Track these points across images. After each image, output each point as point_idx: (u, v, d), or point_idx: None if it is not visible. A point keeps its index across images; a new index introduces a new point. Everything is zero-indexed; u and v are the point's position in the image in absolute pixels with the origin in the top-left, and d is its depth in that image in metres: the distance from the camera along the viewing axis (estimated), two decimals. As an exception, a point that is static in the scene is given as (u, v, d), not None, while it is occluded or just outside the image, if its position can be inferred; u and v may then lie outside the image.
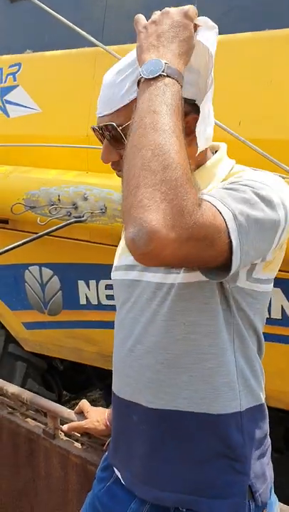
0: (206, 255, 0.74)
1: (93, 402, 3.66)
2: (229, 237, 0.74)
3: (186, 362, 0.90)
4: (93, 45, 2.11)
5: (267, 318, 0.98)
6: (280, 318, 1.81)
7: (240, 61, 1.76)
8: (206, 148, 0.93)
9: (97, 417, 1.36)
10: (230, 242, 0.74)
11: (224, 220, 0.74)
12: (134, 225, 0.68)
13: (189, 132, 0.86)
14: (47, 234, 1.88)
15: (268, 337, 1.01)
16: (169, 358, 0.91)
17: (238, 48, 1.78)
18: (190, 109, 0.87)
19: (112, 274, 1.05)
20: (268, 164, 1.63)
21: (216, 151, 0.97)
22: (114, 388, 1.03)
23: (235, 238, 0.74)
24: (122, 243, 1.03)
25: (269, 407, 1.00)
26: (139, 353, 0.94)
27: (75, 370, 3.04)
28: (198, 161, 0.92)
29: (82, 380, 3.14)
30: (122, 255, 1.02)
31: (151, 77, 0.76)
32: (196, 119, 0.87)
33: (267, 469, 0.96)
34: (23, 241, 1.83)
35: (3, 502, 1.80)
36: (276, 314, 1.81)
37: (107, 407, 3.32)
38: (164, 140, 0.71)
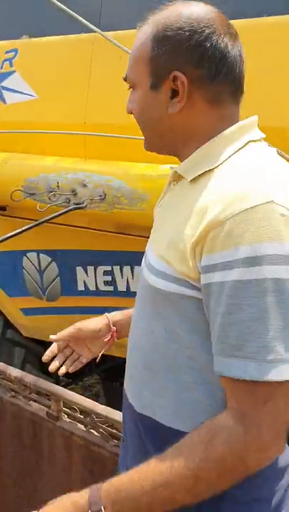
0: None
1: (89, 388, 3.72)
2: None
3: (162, 368, 0.83)
4: (90, 30, 2.12)
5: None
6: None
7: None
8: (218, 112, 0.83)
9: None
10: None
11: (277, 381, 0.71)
12: None
13: (176, 94, 0.81)
14: (47, 221, 1.90)
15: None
16: (147, 360, 0.86)
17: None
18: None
19: None
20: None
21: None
22: None
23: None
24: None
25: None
26: (130, 346, 0.92)
27: (72, 356, 3.07)
28: (214, 128, 0.83)
29: (79, 366, 3.17)
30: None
31: None
32: (184, 78, 0.80)
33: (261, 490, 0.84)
34: (24, 228, 1.84)
35: (6, 483, 1.84)
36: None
37: (103, 392, 3.38)
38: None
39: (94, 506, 0.77)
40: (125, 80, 0.88)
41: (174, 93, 0.81)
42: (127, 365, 0.94)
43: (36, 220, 2.28)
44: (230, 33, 0.82)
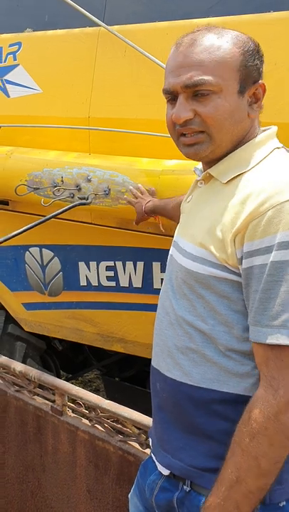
0: None
1: (89, 383, 3.72)
2: None
3: (201, 339, 0.94)
4: (95, 24, 2.11)
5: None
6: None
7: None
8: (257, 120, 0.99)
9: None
10: None
11: None
12: None
13: (257, 99, 0.96)
14: (54, 216, 1.89)
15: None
16: (186, 334, 0.95)
17: (242, 30, 1.79)
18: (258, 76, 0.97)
19: None
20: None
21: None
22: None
23: None
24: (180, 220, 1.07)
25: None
26: (165, 324, 1.00)
27: (73, 351, 3.08)
28: (250, 133, 0.97)
29: (80, 361, 3.18)
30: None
31: None
32: (264, 87, 0.96)
33: (284, 472, 0.93)
34: (33, 223, 1.83)
35: (10, 477, 1.84)
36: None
37: (104, 387, 3.38)
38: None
39: None
40: (192, 86, 0.92)
41: (252, 100, 0.96)
42: (158, 342, 1.03)
43: (39, 215, 2.28)
44: None
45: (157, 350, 1.03)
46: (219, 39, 0.93)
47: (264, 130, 0.99)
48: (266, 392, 0.84)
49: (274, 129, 1.00)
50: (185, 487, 0.97)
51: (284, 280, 0.83)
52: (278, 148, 0.97)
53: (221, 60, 0.92)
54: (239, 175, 0.93)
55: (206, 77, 0.91)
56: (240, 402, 0.90)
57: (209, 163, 0.98)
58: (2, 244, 2.49)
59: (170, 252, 1.04)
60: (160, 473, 1.02)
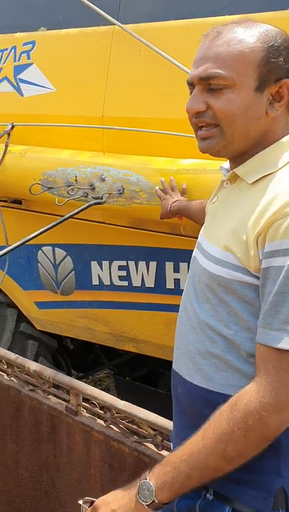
0: None
1: (99, 382, 3.72)
2: None
3: (224, 346, 0.92)
4: (109, 23, 2.10)
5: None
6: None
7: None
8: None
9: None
10: None
11: None
12: None
13: (281, 98, 0.92)
14: (72, 216, 1.89)
15: None
16: (208, 339, 0.94)
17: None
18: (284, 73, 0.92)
19: None
20: None
21: None
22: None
23: None
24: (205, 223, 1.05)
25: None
26: (187, 327, 0.98)
27: (84, 350, 3.08)
28: (276, 133, 0.94)
29: (91, 360, 3.18)
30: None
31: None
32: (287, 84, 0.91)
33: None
34: (53, 223, 1.83)
35: (24, 476, 1.84)
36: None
37: (114, 386, 3.38)
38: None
39: (142, 478, 0.90)
40: (204, 78, 0.92)
41: (274, 98, 0.92)
42: (179, 345, 1.02)
43: (52, 214, 2.28)
44: None
45: (178, 354, 1.02)
46: (244, 33, 0.90)
47: None
48: (258, 388, 0.84)
49: None
50: (208, 495, 0.95)
51: None
52: None
53: (239, 53, 0.89)
54: (266, 176, 0.91)
55: (220, 71, 0.89)
56: None
57: (236, 162, 0.96)
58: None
59: (193, 253, 1.03)
60: None
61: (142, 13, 2.13)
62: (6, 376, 1.86)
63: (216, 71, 0.89)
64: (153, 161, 1.98)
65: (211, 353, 0.94)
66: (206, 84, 0.91)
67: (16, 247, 1.88)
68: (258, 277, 0.87)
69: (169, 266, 2.16)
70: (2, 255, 1.66)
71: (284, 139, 0.93)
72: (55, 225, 1.83)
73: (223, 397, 0.90)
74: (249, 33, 0.90)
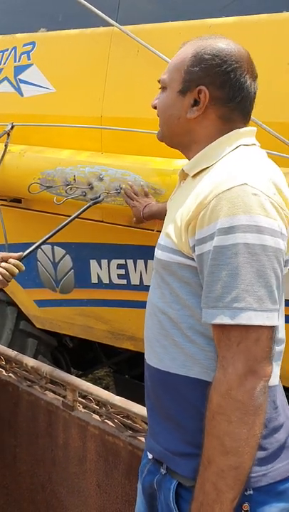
0: None
1: (99, 380, 3.75)
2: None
3: (171, 326, 0.99)
4: (108, 24, 2.13)
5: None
6: None
7: (257, 43, 1.78)
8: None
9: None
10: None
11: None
12: None
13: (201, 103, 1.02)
14: (77, 217, 1.92)
15: None
16: (158, 322, 1.02)
17: (256, 29, 1.80)
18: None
19: None
20: (284, 148, 1.66)
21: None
22: None
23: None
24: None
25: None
26: (147, 315, 1.08)
27: (83, 348, 3.10)
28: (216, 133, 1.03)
29: (90, 358, 3.20)
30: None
31: None
32: (206, 93, 1.01)
33: (267, 452, 0.94)
34: (60, 226, 1.85)
35: (21, 470, 1.87)
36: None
37: (114, 384, 3.40)
38: None
39: None
40: (159, 81, 1.10)
41: (195, 103, 1.02)
42: (144, 334, 1.09)
43: (51, 213, 2.31)
44: (253, 73, 1.03)
45: (145, 341, 1.09)
46: (191, 45, 1.04)
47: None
48: (218, 372, 0.88)
49: (249, 128, 1.05)
50: (162, 470, 1.01)
51: (224, 264, 0.88)
52: (246, 145, 1.01)
53: (177, 62, 1.05)
54: (204, 169, 1.00)
55: (164, 76, 1.08)
56: (207, 388, 0.92)
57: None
58: (14, 242, 2.52)
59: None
60: (149, 458, 1.08)
61: (141, 14, 2.15)
62: (4, 372, 1.89)
63: (162, 76, 1.08)
64: (150, 161, 2.00)
65: (161, 334, 1.01)
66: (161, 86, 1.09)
67: (39, 245, 1.92)
68: (191, 259, 0.96)
69: (167, 264, 2.18)
70: (29, 253, 1.71)
71: (224, 137, 1.01)
72: (65, 225, 1.88)
73: (173, 377, 0.97)
74: (193, 47, 1.04)
